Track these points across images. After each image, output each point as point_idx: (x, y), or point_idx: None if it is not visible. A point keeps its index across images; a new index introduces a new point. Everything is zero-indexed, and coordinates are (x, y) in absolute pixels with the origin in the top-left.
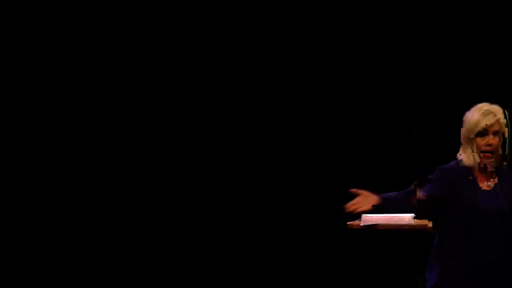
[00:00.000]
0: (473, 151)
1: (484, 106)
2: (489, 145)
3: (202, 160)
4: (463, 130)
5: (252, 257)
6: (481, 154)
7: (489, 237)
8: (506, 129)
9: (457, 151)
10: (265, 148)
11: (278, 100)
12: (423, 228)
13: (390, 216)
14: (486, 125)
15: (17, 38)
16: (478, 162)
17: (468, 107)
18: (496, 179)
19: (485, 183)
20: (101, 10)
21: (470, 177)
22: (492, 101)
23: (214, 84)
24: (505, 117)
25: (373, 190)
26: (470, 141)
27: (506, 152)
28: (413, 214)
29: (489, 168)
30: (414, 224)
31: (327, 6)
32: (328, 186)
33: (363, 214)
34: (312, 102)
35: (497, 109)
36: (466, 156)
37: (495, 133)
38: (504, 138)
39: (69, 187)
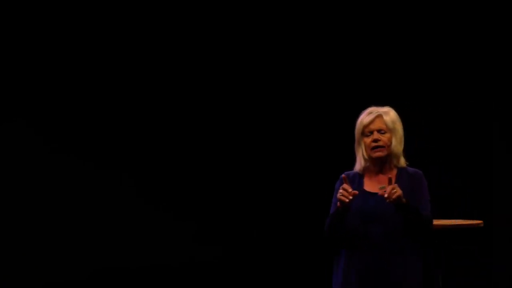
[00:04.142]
0: (363, 154)
1: (371, 107)
2: (376, 140)
3: (203, 160)
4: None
5: (253, 257)
6: (371, 151)
7: (376, 242)
8: (399, 128)
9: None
10: (264, 148)
11: (276, 100)
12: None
13: None
14: (367, 123)
15: (18, 38)
16: (369, 164)
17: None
18: (393, 181)
19: (378, 185)
20: (101, 10)
21: (357, 183)
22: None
23: (213, 84)
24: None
25: None
26: (360, 144)
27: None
28: None
29: (385, 166)
30: None
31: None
32: (327, 185)
33: None
34: (309, 103)
35: (383, 109)
36: (357, 161)
37: (380, 131)
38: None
39: (69, 187)
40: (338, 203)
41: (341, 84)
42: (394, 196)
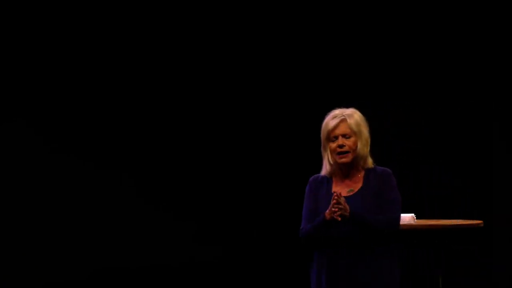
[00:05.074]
0: (328, 159)
1: (335, 111)
2: (341, 146)
3: (202, 160)
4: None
5: (253, 257)
6: (337, 157)
7: (345, 244)
8: (364, 129)
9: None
10: (264, 148)
11: (274, 101)
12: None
13: None
14: (332, 128)
15: (18, 38)
16: (335, 168)
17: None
18: (361, 183)
19: (346, 189)
20: (101, 10)
21: (325, 186)
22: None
23: (214, 84)
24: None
25: None
26: (325, 148)
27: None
28: (413, 214)
29: (352, 170)
30: (414, 224)
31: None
32: None
33: None
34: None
35: (347, 112)
36: (323, 165)
37: (345, 136)
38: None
39: (69, 187)
40: (327, 215)
41: (341, 84)
42: (337, 216)
